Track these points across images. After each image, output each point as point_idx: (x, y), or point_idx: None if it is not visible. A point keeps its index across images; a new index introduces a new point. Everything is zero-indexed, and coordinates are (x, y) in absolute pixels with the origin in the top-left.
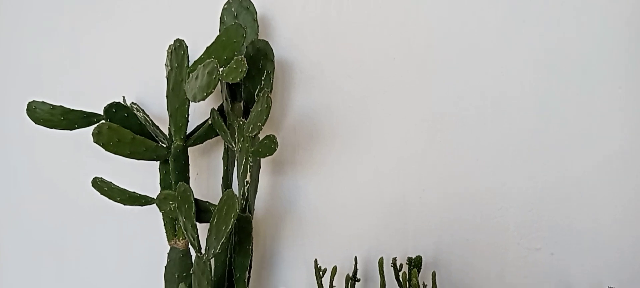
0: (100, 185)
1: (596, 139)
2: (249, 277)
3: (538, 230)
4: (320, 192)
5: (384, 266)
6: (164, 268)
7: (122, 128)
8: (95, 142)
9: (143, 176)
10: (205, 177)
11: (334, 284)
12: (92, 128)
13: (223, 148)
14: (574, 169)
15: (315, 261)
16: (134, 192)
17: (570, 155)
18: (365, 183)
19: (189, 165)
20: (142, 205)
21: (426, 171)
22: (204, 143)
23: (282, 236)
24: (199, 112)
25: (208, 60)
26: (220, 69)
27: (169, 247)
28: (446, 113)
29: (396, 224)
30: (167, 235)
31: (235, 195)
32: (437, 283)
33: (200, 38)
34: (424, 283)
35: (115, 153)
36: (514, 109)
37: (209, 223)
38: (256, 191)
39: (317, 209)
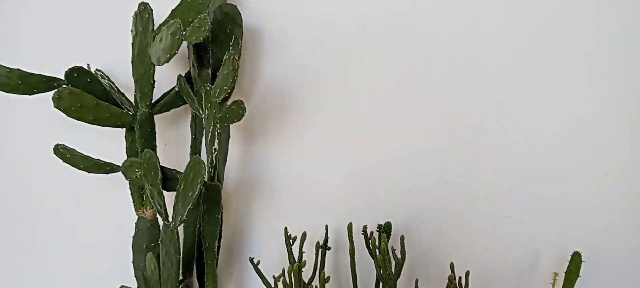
0: (63, 153)
1: (565, 106)
2: (218, 247)
3: (507, 198)
4: (291, 162)
5: (354, 232)
6: (131, 238)
7: (84, 93)
8: (55, 106)
9: (109, 146)
10: (174, 148)
11: (303, 250)
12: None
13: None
14: (542, 137)
15: (286, 229)
16: (98, 159)
17: (538, 123)
18: (336, 152)
19: (155, 133)
20: (107, 173)
21: (397, 140)
22: (172, 113)
23: (253, 207)
24: (166, 80)
25: (171, 21)
26: (184, 30)
27: (137, 217)
28: (417, 81)
29: (367, 193)
30: (134, 205)
31: (202, 160)
32: (405, 248)
33: (166, 1)
34: (392, 247)
35: (77, 119)
36: (484, 77)
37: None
38: (226, 160)
39: (288, 179)
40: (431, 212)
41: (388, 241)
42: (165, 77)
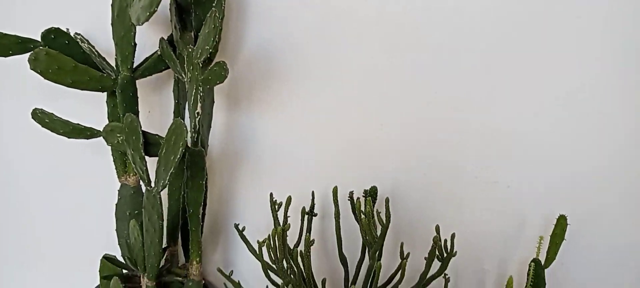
0: (41, 117)
1: (554, 70)
2: (203, 214)
3: (496, 163)
4: (277, 129)
5: (341, 200)
6: (115, 206)
7: (62, 55)
8: (32, 68)
9: (91, 112)
10: (158, 115)
11: (289, 215)
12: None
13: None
14: (532, 101)
15: (271, 194)
16: (78, 124)
17: (528, 87)
18: (323, 119)
19: (137, 98)
20: (87, 138)
21: (384, 107)
22: (156, 79)
23: (239, 174)
24: (149, 45)
25: None
26: None
27: (119, 184)
28: (406, 45)
29: (354, 160)
30: (116, 172)
31: (184, 123)
32: (391, 213)
33: None
34: (378, 210)
35: (55, 82)
36: (473, 42)
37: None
38: (210, 127)
39: (274, 146)
40: (418, 179)
41: (374, 206)
42: (148, 41)
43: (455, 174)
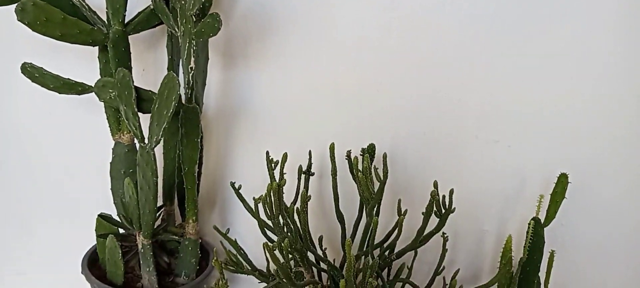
0: (31, 71)
1: (557, 29)
2: (199, 172)
3: (496, 122)
4: (274, 86)
5: (339, 159)
6: (109, 164)
7: (50, 6)
8: (19, 20)
9: (84, 70)
10: (152, 73)
11: (285, 172)
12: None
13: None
14: (532, 60)
15: (267, 152)
16: (68, 79)
17: (529, 45)
18: (321, 76)
19: (130, 53)
20: (79, 94)
21: (384, 63)
22: (150, 36)
23: (236, 133)
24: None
25: None
26: None
27: (114, 142)
28: (406, 3)
29: (352, 118)
30: (110, 130)
31: (176, 77)
32: (390, 171)
33: None
34: (375, 166)
35: (43, 35)
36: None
37: None
38: (204, 84)
39: (271, 104)
40: (417, 138)
41: (371, 163)
42: None
43: (455, 133)
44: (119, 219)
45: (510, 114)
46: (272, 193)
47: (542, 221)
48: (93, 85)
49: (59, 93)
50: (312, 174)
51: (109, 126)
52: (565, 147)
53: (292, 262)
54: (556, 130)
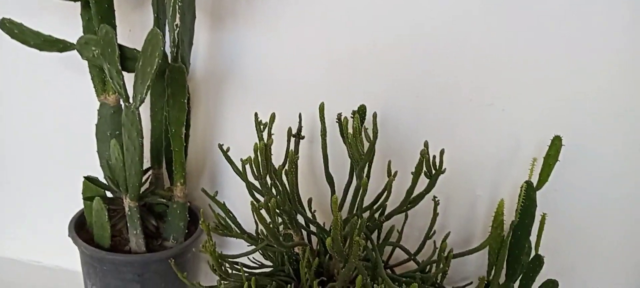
0: (10, 27)
1: None
2: (186, 135)
3: (491, 85)
4: (264, 48)
5: (331, 122)
6: (95, 126)
7: None
8: None
9: (65, 27)
10: (139, 33)
11: (273, 133)
12: None
13: None
14: (528, 23)
15: (256, 114)
16: (49, 36)
17: (524, 8)
18: (313, 37)
19: (114, 11)
20: (60, 51)
21: (377, 26)
22: None
23: (225, 96)
24: None
25: None
26: None
27: (99, 104)
28: None
29: (344, 81)
30: (95, 90)
31: (160, 32)
32: (381, 132)
33: None
34: (365, 127)
35: None
36: None
37: None
38: (191, 43)
39: (261, 66)
40: (410, 101)
41: (362, 124)
42: None
43: (448, 96)
44: (105, 182)
45: (504, 77)
46: (259, 153)
47: (535, 184)
48: (75, 43)
49: (40, 50)
50: (303, 138)
51: (94, 87)
52: (559, 110)
53: (281, 226)
54: (551, 93)
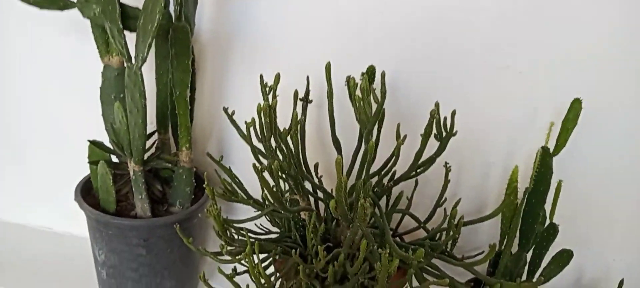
0: None
1: None
2: (192, 97)
3: (508, 46)
4: (271, 11)
5: (340, 85)
6: (99, 89)
7: None
8: None
9: None
10: None
11: (278, 94)
12: None
13: None
14: None
15: (261, 76)
16: None
17: None
18: (322, 0)
19: None
20: (61, 9)
21: None
22: None
23: (231, 61)
24: None
25: None
26: None
27: (103, 66)
28: None
29: (354, 46)
30: (99, 52)
31: None
32: (391, 96)
33: None
34: (373, 88)
35: None
36: None
37: None
38: (196, 2)
39: (268, 30)
40: (422, 63)
41: (371, 86)
42: None
43: (462, 58)
44: (110, 146)
45: (522, 39)
46: (263, 115)
47: (552, 150)
48: (76, 1)
49: (40, 8)
50: (311, 101)
51: (98, 48)
52: (579, 73)
53: (288, 194)
54: (572, 56)
